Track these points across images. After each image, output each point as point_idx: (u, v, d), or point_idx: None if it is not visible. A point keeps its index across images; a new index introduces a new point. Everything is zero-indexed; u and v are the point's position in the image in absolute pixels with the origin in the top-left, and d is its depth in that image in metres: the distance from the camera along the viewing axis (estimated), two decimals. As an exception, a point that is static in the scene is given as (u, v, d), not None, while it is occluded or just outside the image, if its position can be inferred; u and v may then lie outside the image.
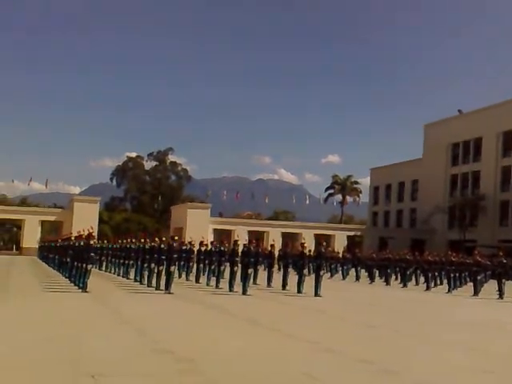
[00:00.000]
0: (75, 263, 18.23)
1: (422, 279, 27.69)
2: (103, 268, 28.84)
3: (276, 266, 24.95)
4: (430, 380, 6.92)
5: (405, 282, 27.31)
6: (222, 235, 41.28)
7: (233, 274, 18.84)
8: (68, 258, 20.52)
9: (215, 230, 54.41)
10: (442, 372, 7.47)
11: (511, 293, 23.37)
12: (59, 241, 27.68)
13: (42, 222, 54.95)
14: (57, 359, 7.12)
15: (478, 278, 23.76)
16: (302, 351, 8.50)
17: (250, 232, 51.53)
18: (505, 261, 23.23)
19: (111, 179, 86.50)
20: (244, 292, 17.76)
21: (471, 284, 24.29)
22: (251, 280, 19.78)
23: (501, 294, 21.76)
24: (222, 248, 21.31)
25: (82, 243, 17.84)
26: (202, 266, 23.24)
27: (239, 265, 18.89)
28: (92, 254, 17.40)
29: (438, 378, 7.03)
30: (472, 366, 8.05)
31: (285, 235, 53.61)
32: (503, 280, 22.23)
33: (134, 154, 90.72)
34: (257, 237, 36.39)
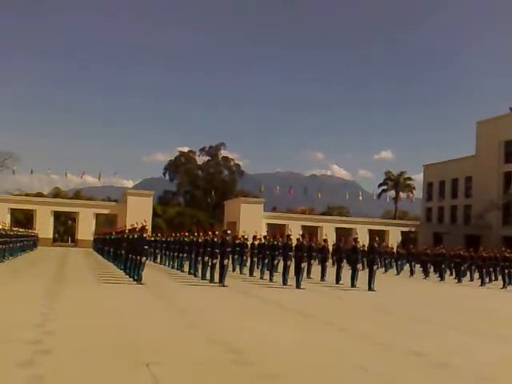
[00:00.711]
0: (130, 255, 18.52)
1: (476, 275, 27.42)
2: (158, 261, 29.27)
3: (330, 261, 24.75)
4: (485, 373, 6.77)
5: (459, 277, 27.12)
6: (275, 230, 41.20)
7: (286, 268, 18.78)
8: (123, 250, 20.85)
9: (268, 225, 54.40)
10: (497, 366, 7.33)
11: None
12: (113, 233, 28.15)
13: (97, 215, 55.96)
14: (113, 348, 7.22)
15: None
16: (355, 344, 8.43)
17: (303, 227, 51.25)
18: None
19: (164, 173, 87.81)
20: (298, 286, 17.66)
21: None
22: (304, 274, 19.65)
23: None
24: (276, 242, 21.22)
25: (135, 236, 18.08)
26: (255, 259, 23.28)
27: (292, 259, 18.80)
28: (146, 247, 17.58)
29: (493, 371, 6.89)
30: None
31: (338, 230, 53.16)
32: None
33: (186, 149, 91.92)
34: (310, 232, 36.13)
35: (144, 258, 17.08)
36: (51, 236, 54.30)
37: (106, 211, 57.43)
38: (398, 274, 31.33)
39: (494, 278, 26.89)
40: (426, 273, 29.65)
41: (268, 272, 20.82)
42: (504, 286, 23.98)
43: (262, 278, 20.95)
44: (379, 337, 9.07)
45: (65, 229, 75.27)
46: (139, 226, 18.07)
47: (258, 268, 22.82)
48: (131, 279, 17.46)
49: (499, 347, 8.90)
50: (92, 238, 47.88)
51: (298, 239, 19.48)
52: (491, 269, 26.68)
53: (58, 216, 60.57)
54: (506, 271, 25.00)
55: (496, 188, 62.61)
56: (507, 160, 62.73)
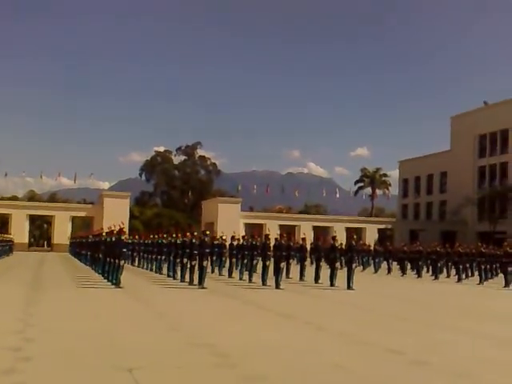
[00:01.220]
0: (107, 259, 18.38)
1: (453, 271, 27.70)
2: (136, 263, 29.10)
3: (308, 260, 24.86)
4: (463, 370, 6.88)
5: (436, 274, 27.36)
6: (253, 229, 41.25)
7: (265, 268, 18.83)
8: (100, 253, 20.68)
9: (246, 225, 54.45)
10: (474, 363, 7.44)
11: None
12: (90, 237, 27.87)
13: (73, 218, 55.27)
14: (94, 353, 7.19)
15: (509, 269, 23.65)
16: (335, 343, 8.52)
17: (281, 226, 51.47)
18: (535, 252, 23.05)
19: (140, 174, 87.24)
20: (277, 286, 17.72)
21: (502, 275, 24.14)
22: (284, 274, 19.72)
23: (532, 286, 21.51)
24: (254, 242, 21.26)
25: (113, 239, 17.94)
26: (234, 260, 23.28)
27: (271, 259, 18.85)
28: (124, 250, 17.47)
29: (471, 369, 6.99)
30: (504, 357, 7.98)
31: (316, 229, 53.44)
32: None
33: (162, 149, 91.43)
34: (288, 231, 36.25)
35: (122, 261, 16.96)
36: (27, 240, 53.49)
37: (82, 214, 56.84)
38: (375, 271, 31.58)
39: (470, 273, 27.11)
40: (403, 270, 29.90)
41: (247, 273, 20.85)
42: (481, 282, 24.18)
43: (241, 278, 20.97)
44: (359, 335, 9.18)
45: (40, 233, 74.26)
46: (117, 228, 17.94)
47: (236, 269, 22.80)
48: (109, 283, 17.34)
49: (477, 344, 9.03)
50: (68, 242, 47.33)
51: (276, 239, 19.55)
52: (467, 265, 26.91)
53: (33, 220, 59.73)
54: (483, 267, 25.18)
55: (471, 183, 63.19)
56: (482, 154, 63.27)
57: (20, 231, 49.78)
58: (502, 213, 57.95)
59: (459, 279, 25.36)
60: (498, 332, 10.31)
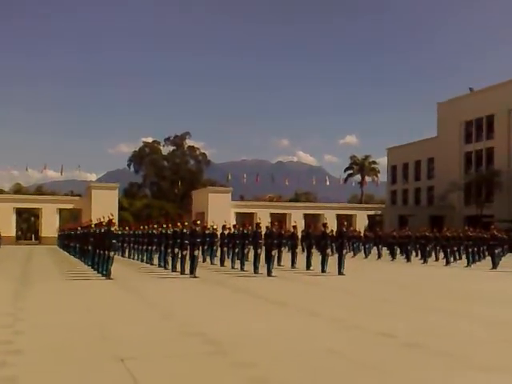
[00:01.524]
0: (97, 251, 18.28)
1: (441, 255, 27.97)
2: (126, 255, 29.00)
3: (299, 247, 24.93)
4: (454, 351, 6.96)
5: (425, 258, 27.71)
6: (244, 218, 41.21)
7: (257, 257, 18.84)
8: (89, 245, 20.56)
9: (237, 214, 54.35)
10: (464, 343, 7.53)
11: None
12: (79, 229, 27.70)
13: (60, 210, 54.78)
14: (85, 345, 7.15)
15: (496, 251, 24.03)
16: (328, 329, 8.55)
17: (271, 214, 51.46)
18: (521, 235, 23.29)
19: (128, 165, 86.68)
20: (269, 273, 17.74)
21: (489, 258, 24.43)
22: (275, 261, 19.76)
23: (518, 267, 21.77)
24: (245, 231, 21.24)
25: (102, 230, 17.83)
26: (225, 249, 23.29)
27: (263, 247, 18.86)
28: (114, 241, 17.38)
29: (459, 350, 7.06)
30: (492, 337, 8.09)
31: (307, 216, 53.48)
32: (520, 253, 22.26)
33: (150, 139, 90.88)
34: (279, 219, 36.30)
35: (112, 253, 16.87)
36: (14, 234, 53.00)
37: (69, 206, 56.32)
38: (366, 257, 31.81)
39: (458, 257, 27.44)
40: (393, 255, 30.12)
41: (239, 261, 20.85)
42: (468, 265, 24.52)
43: (232, 267, 20.97)
44: (351, 320, 9.20)
45: (28, 226, 73.81)
46: (106, 220, 17.83)
47: (228, 258, 22.83)
48: (100, 275, 17.26)
49: (466, 325, 9.09)
50: (57, 235, 47.04)
51: (267, 227, 19.55)
52: (455, 248, 27.26)
53: (20, 213, 59.24)
54: (470, 250, 25.58)
55: (458, 168, 63.80)
56: (468, 140, 63.95)
57: (7, 225, 49.32)
58: (489, 197, 58.57)
59: (447, 262, 25.65)
60: (486, 313, 10.37)
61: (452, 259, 26.45)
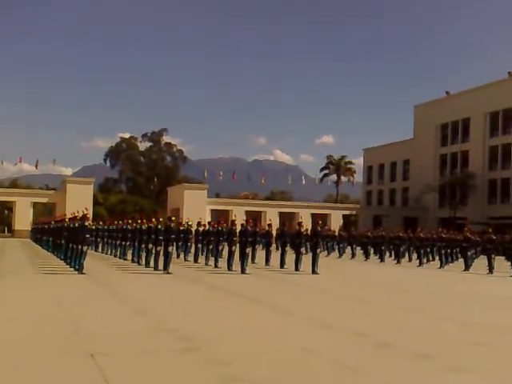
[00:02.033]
0: (70, 245, 18.06)
1: (414, 256, 28.19)
2: (99, 249, 28.72)
3: (274, 245, 24.98)
4: (425, 351, 6.99)
5: (398, 258, 27.82)
6: (219, 216, 41.14)
7: (231, 254, 18.81)
8: (63, 239, 20.33)
9: (212, 211, 54.28)
10: (436, 344, 7.57)
11: (500, 268, 23.77)
12: (53, 223, 27.40)
13: (34, 204, 54.31)
14: (55, 339, 7.04)
15: (469, 253, 24.30)
16: (301, 327, 8.54)
17: (247, 212, 51.50)
18: (494, 237, 23.78)
19: (104, 160, 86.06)
20: (242, 271, 17.74)
21: (462, 260, 24.67)
22: (249, 259, 19.75)
23: (490, 269, 22.16)
24: (220, 228, 21.21)
25: (76, 225, 17.63)
26: (200, 246, 23.22)
27: (237, 244, 18.85)
28: (87, 236, 17.19)
29: (432, 350, 7.10)
30: (464, 337, 8.18)
31: (282, 215, 53.61)
32: (492, 255, 22.69)
33: (127, 135, 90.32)
34: (254, 217, 36.30)
35: (85, 247, 16.69)
36: (-13, 226, 52.39)
37: (44, 200, 55.83)
38: (340, 256, 31.94)
39: (431, 258, 27.70)
40: (366, 255, 30.33)
41: (213, 258, 20.80)
42: (441, 266, 24.73)
43: (206, 264, 20.92)
44: (325, 319, 9.22)
45: (1, 218, 72.70)
46: (80, 214, 17.64)
47: (202, 254, 22.76)
48: (72, 269, 17.06)
49: (438, 325, 9.19)
50: (30, 228, 46.49)
51: (242, 225, 19.53)
52: (429, 249, 27.50)
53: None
54: (443, 251, 25.77)
55: (433, 170, 64.63)
56: (443, 143, 64.84)
57: (-20, 217, 48.62)
58: (463, 199, 59.37)
59: (420, 263, 25.88)
60: (458, 314, 10.49)
61: (425, 260, 26.68)
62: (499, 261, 25.77)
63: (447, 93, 65.84)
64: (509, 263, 26.85)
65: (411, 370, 6.18)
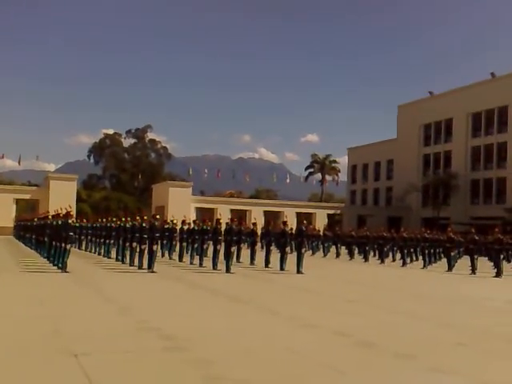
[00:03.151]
0: (53, 243, 17.91)
1: (398, 255, 28.31)
2: (83, 247, 28.53)
3: (259, 244, 24.99)
4: (407, 351, 7.04)
5: (382, 258, 27.97)
6: (204, 214, 41.08)
7: (216, 253, 18.80)
8: (46, 237, 20.16)
9: (197, 209, 54.18)
10: (418, 344, 7.63)
11: (483, 268, 23.99)
12: (36, 220, 27.16)
13: (17, 201, 53.74)
14: (38, 338, 6.99)
15: (452, 254, 24.41)
16: (285, 327, 8.56)
17: (232, 210, 51.41)
18: (477, 237, 23.96)
19: (88, 156, 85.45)
20: (227, 270, 17.73)
21: (445, 260, 24.84)
22: (234, 258, 19.75)
23: (473, 270, 22.28)
24: (205, 227, 21.18)
25: (59, 222, 17.49)
26: (184, 244, 23.18)
27: (222, 243, 18.83)
28: (71, 234, 17.06)
29: (414, 350, 7.16)
30: (446, 338, 8.20)
31: (267, 213, 53.68)
32: (475, 256, 22.79)
33: (111, 131, 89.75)
34: (239, 215, 36.28)
35: (69, 245, 16.56)
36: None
37: (27, 196, 55.19)
38: (324, 256, 32.06)
39: (415, 258, 27.89)
40: (351, 254, 30.48)
41: (197, 257, 20.77)
42: (424, 266, 24.88)
43: (191, 263, 20.88)
44: (308, 318, 9.25)
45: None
46: (63, 211, 17.50)
47: (187, 253, 22.72)
48: (55, 267, 16.93)
49: (420, 325, 9.25)
50: (12, 225, 46.04)
51: (227, 223, 19.51)
52: (412, 249, 27.66)
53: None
54: (426, 251, 25.97)
55: (416, 170, 65.11)
56: (426, 143, 65.40)
57: (-39, 214, 47.98)
58: (446, 199, 59.86)
59: (404, 263, 25.97)
60: (440, 314, 10.58)
61: (408, 260, 26.82)
62: (482, 261, 26.04)
63: (430, 93, 66.30)
64: (491, 264, 27.13)
65: (393, 369, 6.23)
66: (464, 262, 26.12)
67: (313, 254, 33.06)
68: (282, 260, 19.56)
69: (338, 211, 63.69)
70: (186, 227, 23.69)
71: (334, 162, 78.21)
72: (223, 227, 19.34)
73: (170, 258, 23.37)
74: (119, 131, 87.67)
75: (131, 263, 18.89)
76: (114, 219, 23.41)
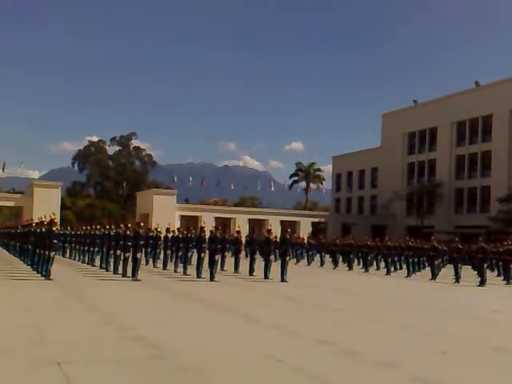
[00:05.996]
0: (37, 250, 17.82)
1: (382, 264, 28.41)
2: (67, 255, 28.36)
3: (243, 252, 25.01)
4: (390, 360, 7.10)
5: (366, 266, 27.98)
6: (188, 221, 41.03)
7: (200, 261, 18.79)
8: (30, 244, 20.05)
9: (182, 217, 54.06)
10: (401, 353, 7.70)
11: (467, 277, 24.14)
12: (19, 227, 27.00)
13: (1, 208, 53.39)
14: (21, 346, 6.98)
15: (436, 262, 24.55)
16: (268, 335, 8.61)
17: (216, 218, 51.42)
18: (460, 246, 23.99)
19: (72, 164, 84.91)
20: (211, 278, 17.73)
21: (429, 268, 24.94)
22: (218, 266, 19.75)
23: (457, 278, 22.42)
24: (189, 235, 21.17)
25: (43, 230, 17.42)
26: (169, 252, 23.15)
27: (206, 251, 18.84)
28: (55, 241, 16.99)
29: (397, 359, 7.22)
30: (428, 347, 8.26)
31: (251, 221, 53.72)
32: (459, 265, 22.97)
33: (95, 139, 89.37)
34: (223, 223, 36.29)
35: (53, 253, 16.49)
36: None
37: (10, 204, 54.77)
38: (308, 264, 32.12)
39: (399, 266, 27.84)
40: (335, 263, 30.53)
41: (182, 265, 20.75)
42: (408, 275, 24.88)
43: (175, 271, 20.85)
44: (292, 327, 9.30)
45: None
46: (47, 219, 17.43)
47: (171, 261, 22.68)
48: (39, 275, 16.84)
49: (403, 334, 9.36)
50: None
51: (211, 231, 19.54)
52: (396, 258, 27.65)
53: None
54: (410, 260, 25.99)
55: (400, 179, 65.46)
56: (411, 151, 65.77)
57: None
58: (430, 208, 60.31)
59: (388, 272, 26.03)
60: (423, 323, 10.66)
61: (393, 269, 26.84)
62: (466, 270, 26.19)
63: (415, 102, 66.79)
64: (475, 272, 27.34)
65: (376, 378, 6.29)
66: (448, 270, 26.28)
67: (297, 262, 33.14)
68: (266, 268, 19.59)
69: (323, 219, 63.90)
70: (170, 235, 23.66)
71: (319, 170, 78.41)
72: (207, 235, 19.35)
73: (155, 266, 23.31)
74: (104, 138, 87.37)
75: (115, 271, 18.82)
76: (98, 227, 23.33)
